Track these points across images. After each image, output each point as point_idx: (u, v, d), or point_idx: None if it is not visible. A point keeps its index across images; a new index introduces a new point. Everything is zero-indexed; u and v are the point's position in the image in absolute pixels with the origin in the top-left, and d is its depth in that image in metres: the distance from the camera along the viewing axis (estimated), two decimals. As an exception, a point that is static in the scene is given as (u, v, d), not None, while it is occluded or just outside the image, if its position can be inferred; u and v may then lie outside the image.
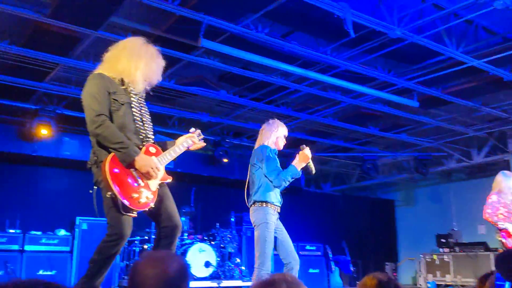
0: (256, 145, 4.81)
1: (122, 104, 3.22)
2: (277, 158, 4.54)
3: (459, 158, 11.96)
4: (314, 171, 4.65)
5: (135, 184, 3.12)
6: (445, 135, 10.95)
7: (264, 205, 4.43)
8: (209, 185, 11.18)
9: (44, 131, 8.39)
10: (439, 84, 8.00)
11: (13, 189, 9.10)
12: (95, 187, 3.21)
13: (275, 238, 4.41)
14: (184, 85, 7.91)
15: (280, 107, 9.12)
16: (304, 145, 4.63)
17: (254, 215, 4.47)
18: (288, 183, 4.45)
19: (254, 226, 4.43)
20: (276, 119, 4.91)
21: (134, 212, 3.11)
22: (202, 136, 3.74)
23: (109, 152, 3.08)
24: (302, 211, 12.84)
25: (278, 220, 4.58)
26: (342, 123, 9.86)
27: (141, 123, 3.34)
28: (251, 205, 4.55)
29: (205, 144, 3.76)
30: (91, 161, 3.22)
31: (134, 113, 3.29)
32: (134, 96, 3.33)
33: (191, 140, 3.61)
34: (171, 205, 3.40)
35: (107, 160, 3.03)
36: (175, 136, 11.30)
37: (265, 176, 4.45)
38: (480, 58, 6.79)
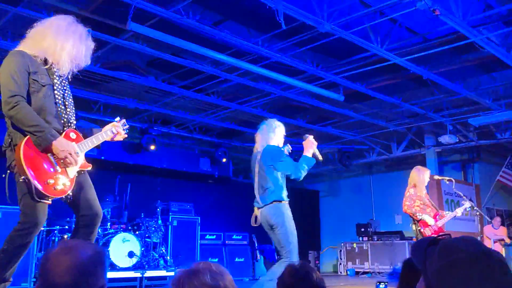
0: (258, 147, 5.01)
1: (43, 86, 3.02)
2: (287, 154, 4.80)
3: (379, 151, 12.56)
4: (321, 158, 4.99)
5: (51, 170, 2.95)
6: (367, 129, 11.44)
7: (283, 202, 4.68)
8: (135, 174, 10.90)
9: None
10: (364, 79, 8.32)
11: None
12: (8, 171, 2.99)
13: None
14: (111, 70, 7.62)
15: (210, 96, 9.06)
16: (307, 134, 4.97)
17: (273, 213, 4.64)
18: (306, 172, 4.73)
19: (274, 224, 4.62)
20: (274, 120, 5.05)
21: (48, 199, 2.93)
22: (127, 126, 3.61)
23: (25, 135, 2.89)
24: (230, 200, 12.90)
25: None
26: (272, 114, 9.98)
27: (63, 107, 3.15)
28: (267, 204, 4.71)
29: (126, 136, 3.61)
30: (6, 144, 3.00)
31: (56, 95, 3.10)
32: (57, 78, 3.14)
33: (116, 129, 3.47)
34: (91, 193, 3.25)
35: (22, 143, 2.84)
36: (100, 123, 10.91)
37: (279, 174, 4.72)
38: (403, 56, 7.14)
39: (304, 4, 5.91)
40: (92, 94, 8.67)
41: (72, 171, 3.07)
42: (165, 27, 6.19)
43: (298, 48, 7.08)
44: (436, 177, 7.07)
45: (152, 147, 10.16)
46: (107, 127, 3.45)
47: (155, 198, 9.57)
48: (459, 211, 6.19)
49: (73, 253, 1.54)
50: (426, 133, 11.62)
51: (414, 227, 6.01)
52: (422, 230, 5.87)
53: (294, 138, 11.95)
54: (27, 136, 2.88)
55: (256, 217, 4.90)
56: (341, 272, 12.54)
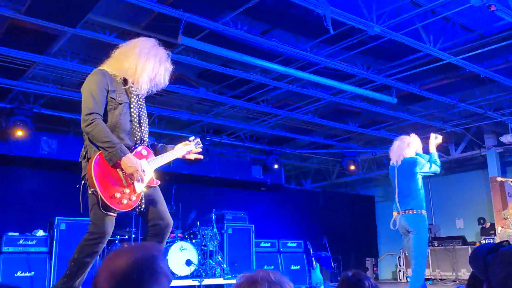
0: (396, 159, 5.58)
1: (120, 104, 3.19)
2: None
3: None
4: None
5: (119, 184, 3.08)
6: (422, 131, 11.09)
7: (423, 212, 5.07)
8: (189, 183, 11.12)
9: (20, 131, 8.22)
10: (417, 80, 8.11)
11: (-11, 189, 8.91)
12: (82, 182, 3.16)
13: None
14: (164, 83, 7.84)
15: (260, 104, 9.12)
16: (432, 133, 5.66)
17: (413, 220, 5.03)
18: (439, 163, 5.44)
19: (412, 230, 5.01)
20: (407, 136, 5.69)
21: (114, 212, 3.07)
22: (201, 145, 3.73)
23: (99, 150, 3.06)
24: (283, 208, 12.90)
25: None
26: (322, 120, 9.92)
27: (138, 125, 3.30)
28: (406, 210, 5.09)
29: (202, 157, 3.74)
30: (82, 156, 3.19)
31: (132, 113, 3.26)
32: (134, 97, 3.30)
33: (188, 147, 3.60)
34: (162, 204, 3.39)
35: (94, 157, 3.02)
36: (154, 135, 11.20)
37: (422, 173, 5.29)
38: (457, 55, 6.90)
39: (352, 8, 5.85)
40: (146, 107, 8.92)
41: (139, 187, 3.19)
42: (214, 39, 6.31)
43: (347, 52, 7.01)
44: (499, 178, 6.76)
45: (204, 157, 10.35)
46: (179, 145, 3.58)
47: (209, 207, 9.71)
48: None
49: (115, 260, 1.42)
50: (486, 133, 11.13)
51: None
52: None
53: (345, 143, 11.83)
54: (100, 151, 3.04)
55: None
56: (400, 280, 12.20)
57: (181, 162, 11.54)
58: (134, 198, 3.14)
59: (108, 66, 3.28)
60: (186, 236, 8.87)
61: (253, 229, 10.28)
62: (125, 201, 3.08)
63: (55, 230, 7.82)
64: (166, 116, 9.46)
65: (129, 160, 3.06)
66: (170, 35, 6.12)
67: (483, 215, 11.71)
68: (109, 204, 3.00)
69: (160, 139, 10.77)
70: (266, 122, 10.21)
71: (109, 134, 3.05)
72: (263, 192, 12.66)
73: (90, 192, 3.02)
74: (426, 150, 5.49)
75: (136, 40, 3.45)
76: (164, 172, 10.86)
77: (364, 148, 12.21)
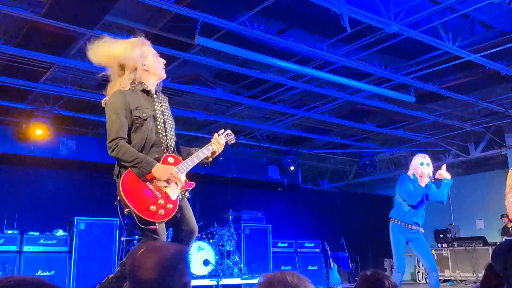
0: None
1: (145, 120, 3.20)
2: (410, 182, 5.37)
3: (456, 153, 11.98)
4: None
5: (152, 196, 3.07)
6: (442, 130, 10.97)
7: (394, 221, 5.40)
8: (206, 184, 11.16)
9: (40, 132, 8.35)
10: (436, 79, 8.01)
11: (10, 190, 9.06)
12: (118, 198, 3.15)
13: None
14: (181, 84, 7.88)
15: (277, 104, 9.11)
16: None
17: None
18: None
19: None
20: (418, 154, 5.55)
21: (154, 224, 3.06)
22: (233, 136, 3.70)
23: (127, 168, 3.08)
24: (300, 208, 12.86)
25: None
26: (339, 120, 9.86)
27: (164, 133, 3.32)
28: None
29: (233, 141, 3.69)
30: (115, 174, 3.22)
31: (158, 125, 3.28)
32: (158, 105, 3.32)
33: (214, 144, 3.51)
34: (189, 212, 3.41)
35: (121, 178, 3.04)
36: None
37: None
38: (477, 53, 6.79)
39: (369, 6, 5.81)
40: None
41: (174, 194, 3.17)
42: (231, 39, 6.32)
43: (364, 50, 6.95)
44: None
45: (222, 157, 10.35)
46: (207, 145, 3.52)
47: (226, 207, 9.73)
48: None
49: (157, 252, 1.63)
50: (507, 131, 10.93)
51: None
52: None
53: (363, 142, 11.74)
54: (128, 169, 3.06)
55: None
56: (419, 281, 12.06)
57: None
58: (171, 206, 3.12)
59: (120, 82, 3.27)
60: (204, 236, 8.90)
61: (270, 229, 10.27)
62: (162, 211, 3.06)
63: (75, 229, 7.93)
64: (183, 116, 9.51)
65: (160, 169, 3.08)
66: (187, 35, 6.15)
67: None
68: (145, 218, 2.99)
69: (177, 139, 10.82)
70: (282, 122, 10.19)
71: (134, 152, 3.08)
72: (280, 192, 12.64)
73: (126, 212, 3.03)
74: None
75: (125, 44, 3.39)
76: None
77: (381, 148, 12.11)
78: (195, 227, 3.40)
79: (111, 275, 3.15)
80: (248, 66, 7.47)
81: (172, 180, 3.12)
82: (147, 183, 3.09)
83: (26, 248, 7.67)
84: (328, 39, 6.68)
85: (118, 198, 3.11)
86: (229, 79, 8.13)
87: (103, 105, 3.29)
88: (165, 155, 3.26)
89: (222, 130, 3.59)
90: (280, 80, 7.83)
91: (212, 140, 3.50)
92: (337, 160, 13.47)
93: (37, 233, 7.90)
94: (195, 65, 7.45)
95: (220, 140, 3.51)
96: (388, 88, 8.08)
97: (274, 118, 10.01)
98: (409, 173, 5.45)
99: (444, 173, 5.34)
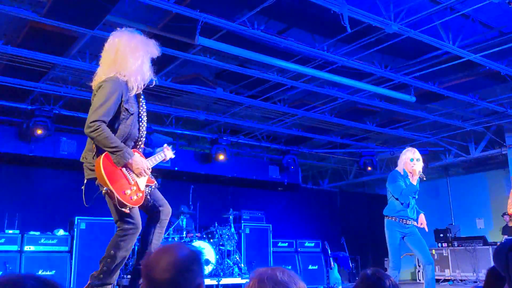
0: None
1: (131, 114, 3.34)
2: (401, 179, 5.31)
3: (456, 153, 11.99)
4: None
5: (127, 182, 3.26)
6: (442, 130, 10.98)
7: (389, 218, 5.30)
8: (206, 183, 11.17)
9: (41, 131, 8.36)
10: (436, 78, 8.01)
11: (11, 189, 9.07)
12: (85, 181, 3.36)
13: None
14: (181, 83, 7.90)
15: (277, 104, 9.11)
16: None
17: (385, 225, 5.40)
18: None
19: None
20: (407, 149, 5.50)
21: (127, 208, 3.23)
22: (174, 151, 3.93)
23: (103, 152, 3.19)
24: (300, 208, 12.87)
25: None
26: (339, 119, 9.87)
27: (143, 131, 3.50)
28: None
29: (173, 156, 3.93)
30: (90, 155, 3.32)
31: (140, 123, 3.45)
32: (142, 102, 3.47)
33: (165, 153, 3.75)
34: (160, 195, 3.63)
35: (101, 159, 3.14)
36: (172, 135, 11.23)
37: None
38: (477, 52, 6.80)
39: (369, 5, 5.81)
40: (164, 108, 9.02)
41: (143, 185, 3.39)
42: (231, 39, 6.32)
43: (364, 50, 6.96)
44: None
45: (222, 157, 10.36)
46: (159, 149, 3.77)
47: (227, 206, 9.74)
48: None
49: (171, 252, 1.65)
50: (507, 131, 10.94)
51: None
52: None
53: (363, 142, 11.75)
54: (105, 153, 3.16)
55: None
56: (419, 280, 12.06)
57: (198, 162, 11.61)
58: (140, 194, 3.34)
59: (116, 70, 3.29)
60: (204, 236, 8.91)
61: (271, 229, 10.28)
62: (134, 197, 3.27)
63: (75, 229, 7.94)
64: (183, 116, 9.52)
65: (135, 162, 3.28)
66: (187, 35, 6.16)
67: (505, 215, 11.50)
68: (123, 200, 3.16)
69: (178, 139, 10.84)
70: (283, 122, 10.20)
71: (115, 139, 3.19)
72: (280, 192, 12.65)
73: (103, 192, 3.17)
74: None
75: (126, 36, 3.43)
76: (182, 173, 10.99)
77: (381, 147, 12.11)
78: (169, 208, 3.64)
79: (95, 272, 3.22)
80: (248, 66, 7.48)
81: (143, 174, 3.33)
82: (123, 169, 3.25)
83: (27, 248, 7.67)
84: (328, 39, 6.69)
85: (91, 177, 3.26)
86: (229, 79, 8.14)
87: (93, 85, 3.33)
88: (136, 149, 3.45)
89: (167, 145, 3.85)
90: (280, 80, 7.83)
91: (164, 149, 3.75)
92: (337, 160, 13.48)
93: (37, 233, 7.91)
94: (196, 65, 7.46)
95: (169, 152, 3.78)
96: (388, 88, 8.09)
97: (274, 117, 10.02)
98: (399, 168, 5.38)
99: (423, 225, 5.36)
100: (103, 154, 3.16)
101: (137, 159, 3.30)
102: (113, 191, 3.12)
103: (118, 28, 3.50)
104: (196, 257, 1.67)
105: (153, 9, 5.73)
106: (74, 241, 7.92)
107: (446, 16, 6.01)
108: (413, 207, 5.32)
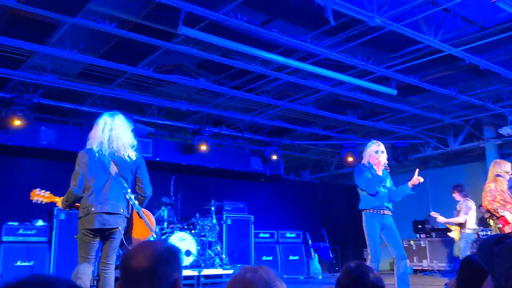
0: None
1: None
2: (366, 171, 5.42)
3: (435, 145, 12.16)
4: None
5: None
6: (421, 123, 11.12)
7: (366, 210, 5.41)
8: (188, 174, 11.13)
9: (19, 120, 8.21)
10: (417, 72, 8.10)
11: (-12, 179, 8.91)
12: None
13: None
14: (163, 73, 7.82)
15: (260, 95, 9.11)
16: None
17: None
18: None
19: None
20: (372, 142, 5.57)
21: None
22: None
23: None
24: (282, 199, 12.92)
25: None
26: (322, 111, 9.92)
27: None
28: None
29: None
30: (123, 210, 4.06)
31: None
32: None
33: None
34: None
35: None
36: (153, 125, 11.13)
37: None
38: (458, 47, 6.89)
39: (352, -2, 5.83)
40: (145, 98, 8.93)
41: None
42: (214, 30, 6.29)
43: (347, 43, 6.99)
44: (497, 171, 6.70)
45: (204, 148, 10.31)
46: None
47: (208, 197, 9.74)
48: None
49: (151, 244, 1.69)
50: (485, 125, 11.14)
51: (492, 223, 5.74)
52: (501, 227, 5.59)
53: (344, 134, 11.83)
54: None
55: None
56: (398, 270, 12.24)
57: (179, 153, 11.52)
58: None
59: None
60: (185, 227, 8.90)
61: (252, 220, 10.32)
62: None
63: (55, 220, 7.86)
64: (165, 106, 9.45)
65: None
66: (169, 25, 6.10)
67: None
68: None
69: (159, 130, 10.78)
70: (265, 113, 10.21)
71: None
72: (262, 183, 12.68)
73: None
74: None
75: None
76: (163, 163, 10.92)
77: (363, 139, 12.21)
78: None
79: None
80: (231, 57, 7.44)
81: None
82: None
83: (5, 239, 7.57)
84: (312, 31, 6.69)
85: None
86: (212, 70, 8.10)
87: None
88: None
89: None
90: (263, 71, 7.82)
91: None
92: (319, 151, 13.56)
93: (16, 223, 7.80)
94: (178, 55, 7.39)
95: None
96: (370, 81, 8.15)
97: (257, 109, 10.02)
98: (364, 161, 5.49)
99: (417, 180, 5.51)
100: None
101: None
102: None
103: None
104: (175, 252, 1.69)
105: (136, -3, 5.65)
106: (54, 232, 7.85)
107: (428, 10, 6.06)
108: (385, 197, 5.40)
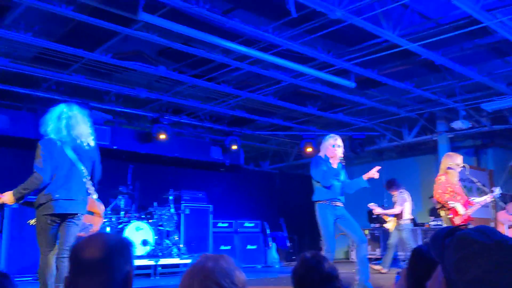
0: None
1: None
2: (323, 163, 5.56)
3: (390, 138, 12.49)
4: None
5: None
6: (378, 116, 11.38)
7: (320, 202, 5.57)
8: (147, 163, 10.98)
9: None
10: (375, 65, 8.26)
11: None
12: None
13: None
14: (122, 60, 7.64)
15: (221, 84, 9.06)
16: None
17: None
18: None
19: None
20: (330, 135, 5.68)
21: None
22: None
23: None
24: (241, 189, 12.97)
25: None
26: (282, 102, 9.98)
27: None
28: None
29: None
30: None
31: None
32: None
33: None
34: None
35: None
36: (111, 113, 10.94)
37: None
38: (415, 42, 7.06)
39: (314, -10, 5.86)
40: (103, 84, 8.72)
41: None
42: (175, 17, 6.19)
43: (308, 35, 7.04)
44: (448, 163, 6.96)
45: (163, 136, 10.17)
46: None
47: (167, 187, 9.65)
48: (488, 198, 6.14)
49: (102, 236, 1.68)
50: (439, 118, 11.53)
51: (443, 213, 5.95)
52: (451, 217, 5.82)
53: (304, 125, 11.96)
54: None
55: None
56: (352, 259, 12.57)
57: (138, 141, 11.34)
58: None
59: None
60: (143, 216, 8.80)
61: (211, 210, 10.32)
62: None
63: (6, 209, 7.59)
64: (124, 94, 9.26)
65: None
66: (129, 10, 5.95)
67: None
68: None
69: (117, 117, 10.55)
70: (226, 102, 10.18)
71: None
72: (222, 173, 12.67)
73: None
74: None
75: None
76: (121, 151, 10.72)
77: (322, 131, 12.38)
78: None
79: None
80: (192, 45, 7.35)
81: None
82: None
83: (-48, 228, 7.26)
84: (274, 21, 6.70)
85: None
86: (172, 57, 7.98)
87: None
88: None
89: None
90: (224, 60, 7.78)
91: None
92: (279, 142, 13.66)
93: (-36, 212, 7.50)
94: (138, 41, 7.23)
95: None
96: (330, 73, 8.25)
97: (217, 98, 9.97)
98: (321, 153, 5.64)
99: (372, 175, 5.61)
100: None
101: None
102: None
103: None
104: (127, 244, 1.67)
105: (94, -20, 5.48)
106: (4, 221, 7.58)
107: (388, 5, 6.17)
108: (339, 189, 5.55)
